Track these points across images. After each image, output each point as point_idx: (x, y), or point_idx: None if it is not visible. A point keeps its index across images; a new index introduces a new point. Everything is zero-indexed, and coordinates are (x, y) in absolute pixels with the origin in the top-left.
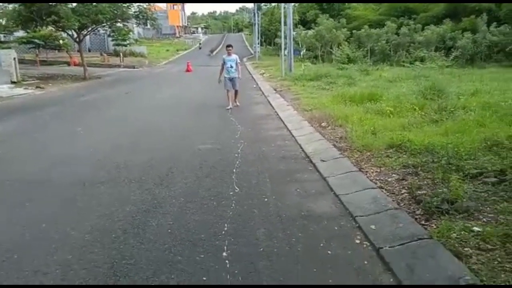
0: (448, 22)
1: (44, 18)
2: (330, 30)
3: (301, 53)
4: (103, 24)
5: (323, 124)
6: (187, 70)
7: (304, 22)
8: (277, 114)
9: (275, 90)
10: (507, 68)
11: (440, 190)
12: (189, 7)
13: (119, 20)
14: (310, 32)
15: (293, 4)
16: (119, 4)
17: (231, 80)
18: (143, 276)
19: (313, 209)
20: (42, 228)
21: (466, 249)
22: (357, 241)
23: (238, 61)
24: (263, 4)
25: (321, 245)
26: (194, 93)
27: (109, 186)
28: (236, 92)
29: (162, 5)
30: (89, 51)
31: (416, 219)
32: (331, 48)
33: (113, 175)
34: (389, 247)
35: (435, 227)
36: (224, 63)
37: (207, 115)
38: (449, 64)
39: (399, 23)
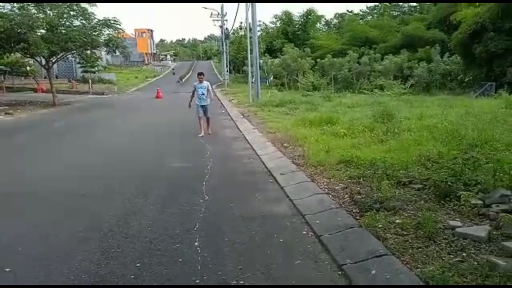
0: (405, 52)
1: (13, 45)
2: (295, 59)
3: (268, 80)
4: (73, 52)
5: (284, 144)
6: (157, 97)
7: (271, 51)
8: (244, 137)
9: (242, 115)
10: (457, 95)
11: (374, 194)
12: (158, 34)
13: (89, 48)
14: (277, 60)
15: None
16: (90, 32)
17: (203, 107)
18: (130, 259)
19: (270, 210)
20: (42, 228)
21: (387, 234)
22: (304, 232)
23: (210, 87)
24: (231, 32)
25: (275, 235)
26: (165, 119)
27: (91, 197)
28: (207, 119)
29: (131, 33)
30: (57, 77)
31: (352, 215)
32: (296, 76)
33: (93, 189)
34: (328, 234)
35: (365, 220)
36: (195, 90)
37: (178, 138)
38: (405, 91)
39: (360, 52)
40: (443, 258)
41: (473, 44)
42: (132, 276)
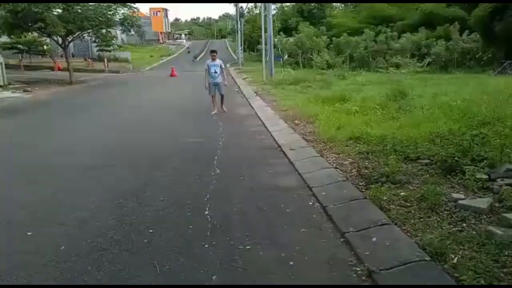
0: (423, 30)
1: (30, 24)
2: (310, 37)
3: (282, 59)
4: (89, 31)
5: (296, 121)
6: (172, 75)
7: (286, 29)
8: (257, 114)
9: (256, 93)
10: (475, 74)
11: (381, 168)
12: (173, 13)
13: (104, 27)
14: (291, 39)
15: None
16: (105, 11)
17: (216, 85)
18: (143, 226)
19: (279, 183)
20: (61, 197)
21: (390, 206)
22: (310, 203)
23: (223, 66)
24: (245, 11)
25: (282, 205)
26: (179, 97)
27: (106, 170)
28: (222, 97)
29: (146, 12)
30: (73, 56)
31: (358, 188)
32: (311, 54)
33: (112, 161)
34: (333, 205)
35: (370, 192)
36: (208, 68)
37: (192, 116)
38: (421, 70)
39: (377, 31)
40: (443, 227)
41: (494, 22)
42: (146, 241)
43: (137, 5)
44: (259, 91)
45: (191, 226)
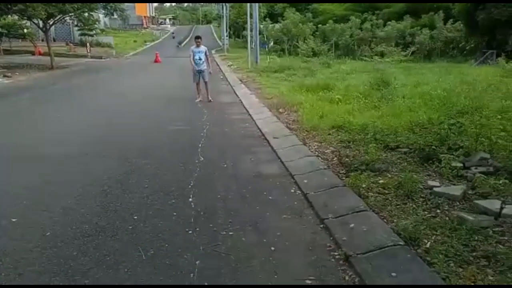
0: (408, 19)
1: (10, 6)
2: (296, 24)
3: (268, 46)
4: (71, 14)
5: (280, 109)
6: (156, 61)
7: (272, 16)
8: (241, 102)
9: (240, 80)
10: (458, 63)
11: (361, 157)
12: None
13: (87, 10)
14: (277, 25)
15: None
16: None
17: (200, 72)
18: (128, 212)
19: (262, 171)
20: (45, 185)
21: (369, 193)
22: (292, 191)
23: (207, 53)
24: None
25: (264, 193)
26: (163, 83)
27: (90, 158)
28: (206, 84)
29: None
30: (54, 40)
31: (338, 175)
32: (297, 41)
33: (95, 149)
34: (313, 192)
35: (350, 180)
36: (193, 54)
37: (176, 103)
38: (405, 59)
39: (363, 18)
40: (418, 214)
41: (477, 11)
42: (130, 227)
43: None
44: (244, 79)
45: (175, 213)
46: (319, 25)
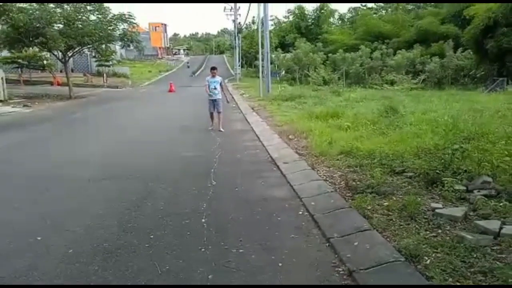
0: (418, 47)
1: (31, 39)
2: (307, 54)
3: (279, 75)
4: (89, 46)
5: (290, 136)
6: (170, 91)
7: (283, 46)
8: (252, 129)
9: (252, 109)
10: (468, 91)
11: (367, 181)
12: (172, 29)
13: (104, 42)
14: (288, 55)
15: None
16: (105, 26)
17: (214, 101)
18: (144, 232)
19: (272, 194)
20: (67, 206)
21: (374, 214)
22: (300, 212)
23: (223, 83)
24: (243, 27)
25: (274, 215)
26: (177, 112)
27: (112, 181)
28: (219, 114)
29: (145, 27)
30: (72, 71)
31: (345, 198)
32: (308, 70)
33: (113, 173)
34: (321, 214)
35: (356, 202)
36: (208, 84)
37: (190, 131)
38: (415, 86)
39: (373, 47)
40: (420, 233)
41: (486, 39)
42: (147, 245)
43: (137, 20)
44: (256, 107)
45: (188, 233)
46: (330, 54)
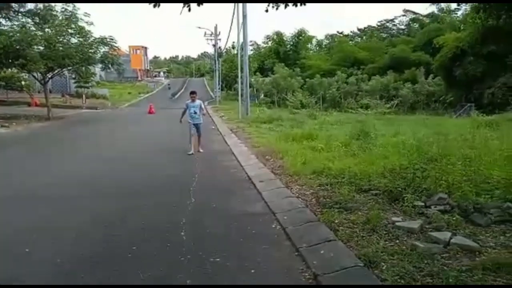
0: (392, 73)
1: (11, 60)
2: (285, 78)
3: (257, 98)
4: (69, 68)
5: (267, 157)
6: (150, 112)
7: (262, 70)
8: (231, 150)
9: (231, 130)
10: (439, 115)
11: (336, 198)
12: (152, 51)
13: (85, 64)
14: (267, 79)
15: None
16: (86, 49)
17: (195, 125)
18: (128, 243)
19: (247, 210)
20: (52, 222)
21: (340, 227)
22: (273, 226)
23: (202, 106)
24: (224, 51)
25: (249, 228)
26: (157, 133)
27: (93, 198)
28: (199, 137)
29: (125, 49)
30: (50, 92)
31: (314, 213)
32: (286, 94)
33: (94, 192)
34: (292, 227)
35: (324, 216)
36: (187, 108)
37: (170, 151)
38: (388, 111)
39: (349, 73)
40: (380, 243)
41: (454, 67)
42: (130, 255)
43: (118, 43)
44: (235, 129)
45: (168, 244)
46: (307, 79)
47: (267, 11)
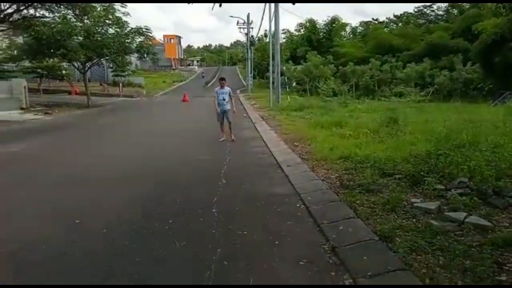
0: (428, 60)
1: (53, 51)
2: (317, 66)
3: (288, 86)
4: (107, 57)
5: (295, 143)
6: (184, 100)
7: (294, 58)
8: (261, 137)
9: (262, 118)
10: (475, 103)
11: (359, 181)
12: (185, 40)
13: (122, 54)
14: (299, 67)
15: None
16: (123, 39)
17: (224, 112)
18: (165, 218)
19: (274, 191)
20: (99, 200)
21: (360, 207)
22: (298, 205)
23: (231, 93)
24: (256, 39)
25: (275, 207)
26: (191, 120)
27: (133, 180)
28: (229, 124)
29: (160, 38)
30: (89, 80)
31: (337, 194)
32: (318, 82)
33: (135, 174)
34: (315, 206)
35: (346, 197)
36: (216, 95)
37: (202, 138)
38: (422, 98)
39: (383, 60)
40: (397, 221)
41: (493, 54)
42: (167, 227)
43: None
44: (265, 116)
45: (201, 219)
46: (340, 67)
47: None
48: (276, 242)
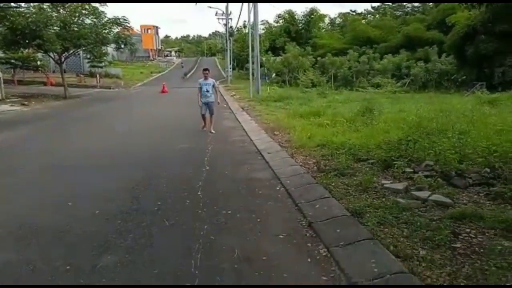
0: (404, 52)
1: (28, 41)
2: (296, 57)
3: (268, 77)
4: (84, 48)
5: (275, 132)
6: (163, 91)
7: (273, 49)
8: (242, 126)
9: (242, 108)
10: (450, 94)
11: (335, 166)
12: (163, 31)
13: (99, 44)
14: (278, 58)
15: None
16: (100, 30)
17: (207, 104)
18: (153, 200)
19: (256, 176)
20: (87, 184)
21: (335, 188)
22: (278, 188)
23: (215, 85)
24: (235, 30)
25: (256, 189)
26: (171, 111)
27: (118, 167)
28: (211, 117)
29: (137, 29)
30: (65, 72)
31: (314, 178)
32: (297, 73)
33: (119, 162)
34: (294, 188)
35: (322, 180)
36: (200, 87)
37: (183, 127)
38: (398, 89)
39: (361, 52)
40: (368, 200)
41: (466, 46)
42: (156, 208)
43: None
44: (246, 107)
45: (188, 201)
46: (319, 58)
47: None
48: (258, 220)
